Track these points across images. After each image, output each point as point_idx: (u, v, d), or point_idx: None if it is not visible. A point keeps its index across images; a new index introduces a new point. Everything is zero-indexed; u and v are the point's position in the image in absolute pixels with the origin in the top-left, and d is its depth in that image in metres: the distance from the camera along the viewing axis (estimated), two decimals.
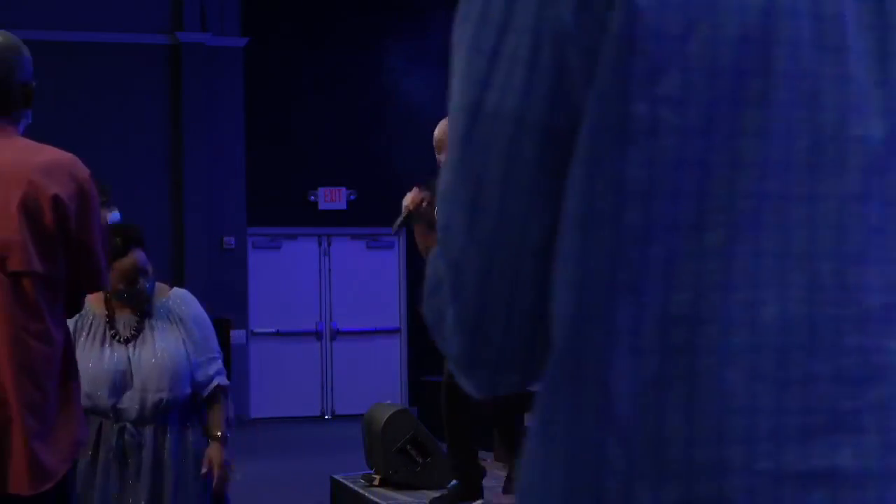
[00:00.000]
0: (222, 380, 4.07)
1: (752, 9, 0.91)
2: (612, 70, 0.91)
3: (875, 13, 0.95)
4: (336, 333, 15.15)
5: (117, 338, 3.93)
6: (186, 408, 3.97)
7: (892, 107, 0.94)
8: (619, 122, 0.91)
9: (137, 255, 3.93)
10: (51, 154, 2.88)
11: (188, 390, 3.93)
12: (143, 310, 3.98)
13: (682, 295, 0.89)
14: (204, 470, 4.02)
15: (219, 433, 4.05)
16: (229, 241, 14.45)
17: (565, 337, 0.94)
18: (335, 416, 14.78)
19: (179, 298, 4.06)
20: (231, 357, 11.90)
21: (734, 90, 0.90)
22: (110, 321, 3.95)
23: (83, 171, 2.90)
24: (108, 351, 3.90)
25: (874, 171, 0.93)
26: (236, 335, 13.72)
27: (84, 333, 3.87)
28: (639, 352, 0.90)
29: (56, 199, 2.78)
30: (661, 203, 0.90)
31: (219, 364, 4.09)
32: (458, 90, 0.99)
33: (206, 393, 4.02)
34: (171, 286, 4.15)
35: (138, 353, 3.89)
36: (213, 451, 4.05)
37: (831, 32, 0.93)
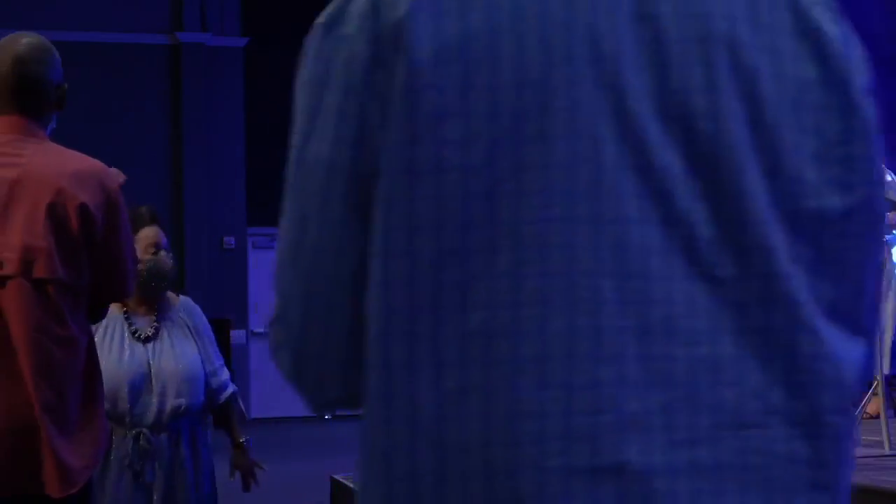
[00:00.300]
0: (234, 387, 4.13)
1: (529, 55, 1.00)
2: (400, 117, 1.01)
3: (653, 54, 1.02)
4: None
5: (137, 335, 3.92)
6: (197, 416, 3.98)
7: (673, 138, 1.01)
8: (408, 163, 1.01)
9: (158, 229, 4.00)
10: (81, 162, 2.88)
11: (202, 398, 3.94)
12: (163, 292, 3.98)
13: (476, 314, 0.99)
14: (231, 477, 4.08)
15: (243, 439, 4.12)
16: (229, 241, 14.46)
17: (376, 355, 1.03)
18: (335, 416, 14.76)
19: (189, 307, 4.10)
20: (231, 357, 11.91)
21: (514, 130, 0.99)
22: (128, 320, 3.95)
23: (112, 180, 2.91)
24: (127, 350, 3.89)
25: (655, 196, 1.00)
26: (236, 335, 13.73)
27: (101, 333, 3.84)
28: (440, 366, 0.99)
29: (83, 208, 2.78)
30: (451, 233, 1.00)
31: (227, 372, 4.14)
32: (292, 145, 1.11)
33: (221, 400, 4.05)
34: (177, 294, 4.17)
35: (157, 356, 3.89)
36: (241, 458, 4.14)
37: (608, 73, 1.00)
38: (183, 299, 4.13)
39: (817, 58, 1.06)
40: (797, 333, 1.02)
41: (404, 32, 1.01)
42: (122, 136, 13.72)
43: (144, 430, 3.82)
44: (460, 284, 0.99)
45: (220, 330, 4.67)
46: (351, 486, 6.08)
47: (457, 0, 1.01)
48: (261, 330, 14.80)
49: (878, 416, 5.99)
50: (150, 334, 3.92)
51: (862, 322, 1.08)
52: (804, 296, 1.03)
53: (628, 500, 0.97)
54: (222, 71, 14.38)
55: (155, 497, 3.84)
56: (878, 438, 5.86)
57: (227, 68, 14.42)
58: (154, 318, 3.96)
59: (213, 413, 4.11)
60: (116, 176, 3.00)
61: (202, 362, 3.97)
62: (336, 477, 6.50)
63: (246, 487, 4.18)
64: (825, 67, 1.06)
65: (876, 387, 6.06)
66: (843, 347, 1.05)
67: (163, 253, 3.98)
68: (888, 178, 7.53)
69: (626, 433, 0.97)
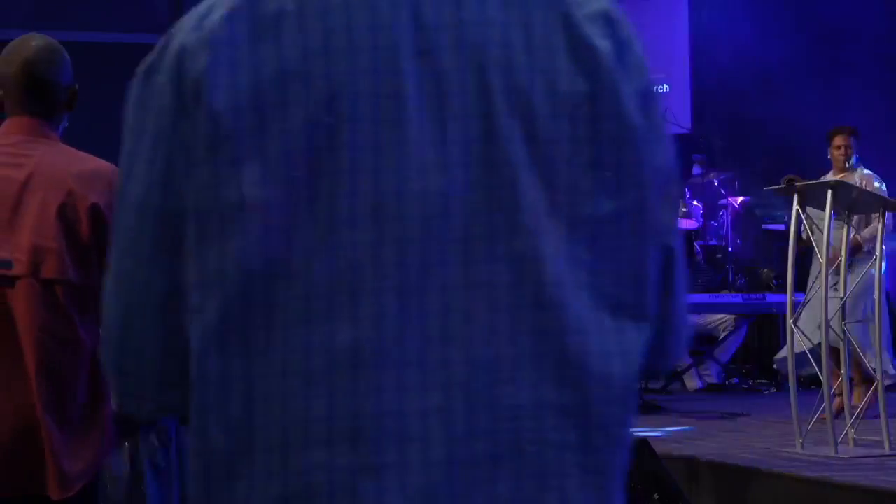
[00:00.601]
0: None
1: (317, 99, 1.11)
2: (205, 163, 1.13)
3: (434, 85, 1.13)
4: None
5: None
6: None
7: (450, 162, 1.12)
8: (215, 202, 1.13)
9: None
10: (92, 163, 2.89)
11: None
12: None
13: (276, 333, 1.11)
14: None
15: None
16: None
17: (196, 372, 1.15)
18: None
19: None
20: None
21: (308, 165, 1.11)
22: None
23: None
24: None
25: (437, 216, 1.11)
26: None
27: None
28: (249, 380, 1.12)
29: (94, 209, 2.79)
30: (256, 264, 1.12)
31: None
32: (118, 184, 1.25)
33: None
34: None
35: None
36: None
37: (391, 108, 1.12)
38: None
39: (588, 72, 1.16)
40: (566, 334, 1.13)
41: (203, 85, 1.13)
42: (121, 137, 13.70)
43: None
44: (265, 308, 1.11)
45: None
46: None
47: (250, 51, 1.13)
48: None
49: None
50: None
51: (646, 312, 1.19)
52: (574, 299, 1.14)
53: (411, 491, 1.09)
54: None
55: (173, 486, 3.88)
56: (878, 438, 5.86)
57: None
58: None
59: None
60: None
61: None
62: None
63: None
64: (596, 81, 1.16)
65: (876, 386, 6.06)
66: (619, 341, 1.16)
67: None
68: (877, 184, 7.49)
69: (407, 432, 1.09)
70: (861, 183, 7.26)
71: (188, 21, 1.19)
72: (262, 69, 1.13)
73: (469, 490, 1.11)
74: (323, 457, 1.10)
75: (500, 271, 1.13)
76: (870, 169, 7.67)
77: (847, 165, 7.54)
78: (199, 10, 1.18)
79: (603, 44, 1.17)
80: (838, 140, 7.57)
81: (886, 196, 7.26)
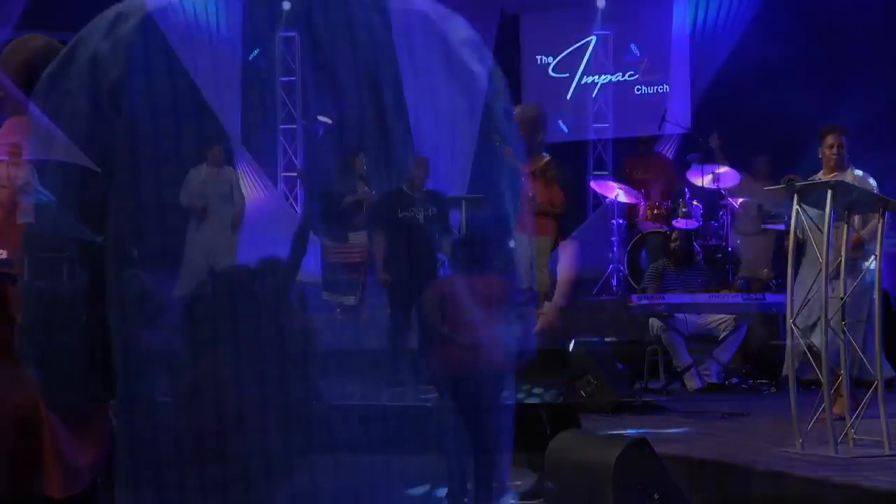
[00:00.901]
0: None
1: (230, 104, 1.11)
2: (123, 165, 1.11)
3: (333, 99, 1.14)
4: None
5: None
6: None
7: (348, 167, 1.15)
8: (135, 201, 1.11)
9: None
10: None
11: None
12: None
13: (203, 325, 1.12)
14: None
15: None
16: None
17: (121, 363, 1.13)
18: None
19: None
20: None
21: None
22: None
23: None
24: None
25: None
26: None
27: None
28: (176, 369, 1.13)
29: None
30: (177, 262, 1.11)
31: None
32: None
33: None
34: None
35: None
36: None
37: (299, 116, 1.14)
38: None
39: (465, 91, 1.24)
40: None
41: (121, 91, 1.16)
42: None
43: None
44: (192, 303, 1.14)
45: None
46: None
47: (166, 59, 1.15)
48: None
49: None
50: None
51: (517, 311, 1.29)
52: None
53: (341, 468, 1.13)
54: None
55: None
56: (878, 438, 5.86)
57: None
58: None
59: None
60: None
61: None
62: None
63: None
64: (472, 99, 1.25)
65: (873, 387, 6.06)
66: (496, 333, 1.26)
67: None
68: (872, 182, 7.48)
69: (333, 415, 1.14)
70: (855, 182, 7.24)
71: (96, 28, 1.24)
72: (177, 77, 1.20)
73: (385, 461, 1.21)
74: (259, 442, 1.17)
75: (401, 272, 1.24)
76: (870, 167, 7.65)
77: (840, 164, 7.51)
78: (106, 17, 1.25)
79: (476, 68, 1.29)
80: (830, 139, 7.52)
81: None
